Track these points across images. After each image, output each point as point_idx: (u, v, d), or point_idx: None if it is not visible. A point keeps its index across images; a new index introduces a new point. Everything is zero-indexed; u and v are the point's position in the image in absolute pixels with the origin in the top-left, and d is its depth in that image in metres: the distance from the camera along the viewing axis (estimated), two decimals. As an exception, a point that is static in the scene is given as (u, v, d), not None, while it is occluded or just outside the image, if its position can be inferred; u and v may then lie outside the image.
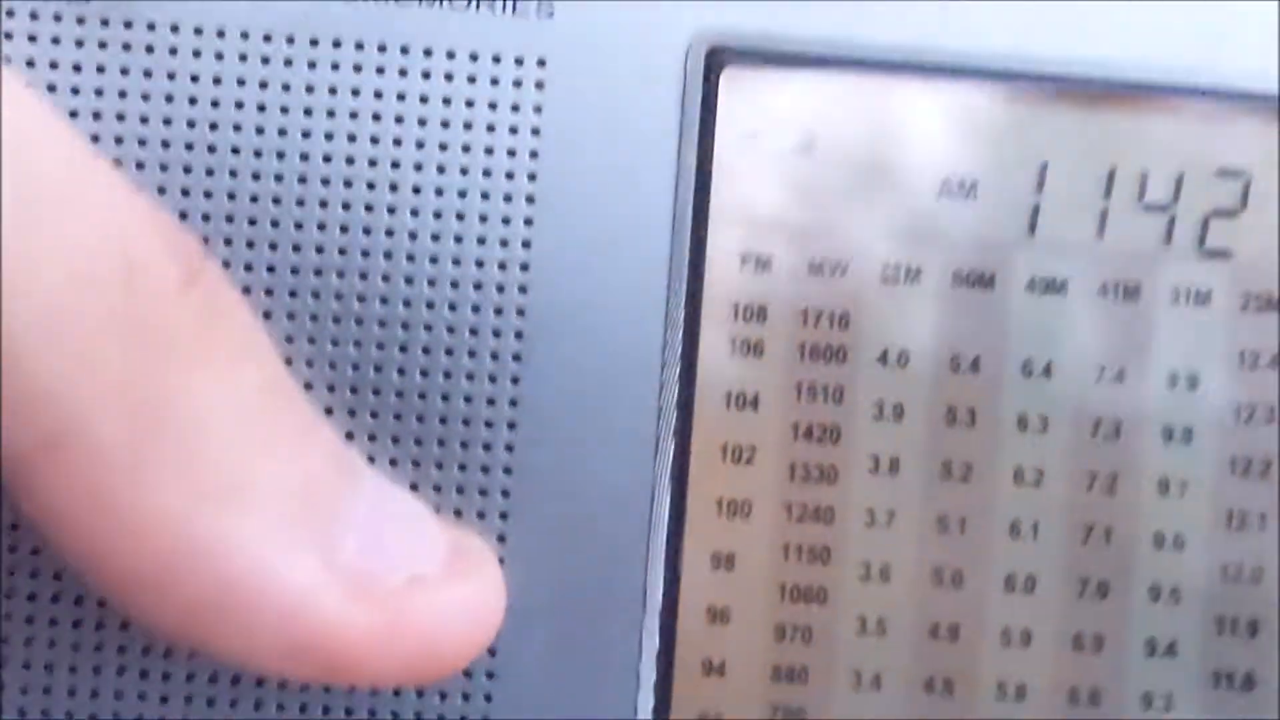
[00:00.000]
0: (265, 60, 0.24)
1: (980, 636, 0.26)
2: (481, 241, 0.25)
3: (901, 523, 0.26)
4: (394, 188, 0.25)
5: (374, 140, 0.25)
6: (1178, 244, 0.26)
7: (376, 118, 0.25)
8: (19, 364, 0.20)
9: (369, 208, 0.25)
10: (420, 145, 0.25)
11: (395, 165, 0.25)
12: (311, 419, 0.23)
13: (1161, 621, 0.26)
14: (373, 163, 0.25)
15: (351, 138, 0.25)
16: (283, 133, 0.24)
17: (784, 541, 0.26)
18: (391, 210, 0.25)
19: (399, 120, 0.25)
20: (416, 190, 0.25)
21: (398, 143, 0.25)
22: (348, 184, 0.25)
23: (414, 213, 0.25)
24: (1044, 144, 0.26)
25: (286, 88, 0.25)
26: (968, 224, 0.26)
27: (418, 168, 0.25)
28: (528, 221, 0.25)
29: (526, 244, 0.25)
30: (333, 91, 0.25)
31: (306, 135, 0.25)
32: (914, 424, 0.26)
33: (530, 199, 0.25)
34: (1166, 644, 0.26)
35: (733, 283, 0.26)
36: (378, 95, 0.25)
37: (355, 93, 0.25)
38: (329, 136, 0.25)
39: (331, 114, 0.25)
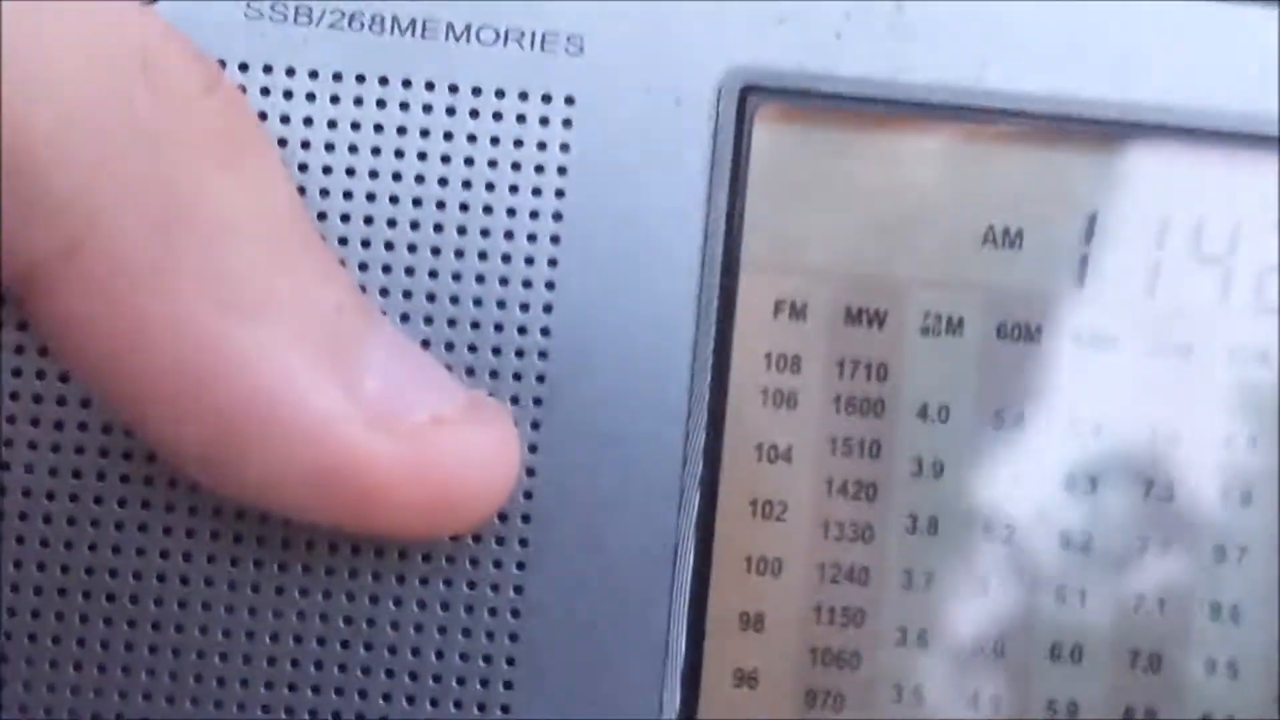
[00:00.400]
0: (288, 95, 0.24)
1: (1025, 709, 0.25)
2: (504, 282, 0.24)
3: (940, 584, 0.25)
4: (415, 226, 0.24)
5: (396, 177, 0.24)
6: (1235, 298, 0.25)
7: (399, 154, 0.24)
8: (39, 165, 0.20)
9: (389, 246, 0.24)
10: (444, 183, 0.24)
11: (418, 203, 0.24)
12: (333, 258, 0.23)
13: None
14: (394, 200, 0.24)
15: (374, 174, 0.24)
16: (303, 168, 0.24)
17: (816, 602, 0.25)
18: (412, 249, 0.24)
19: (422, 157, 0.24)
20: (439, 229, 0.24)
21: (420, 180, 0.24)
22: (368, 221, 0.24)
23: (435, 251, 0.24)
24: (1093, 191, 0.25)
25: (309, 122, 0.24)
26: (1012, 274, 0.25)
27: (440, 206, 0.24)
28: (552, 262, 0.24)
29: (550, 285, 0.24)
30: (355, 127, 0.24)
31: (328, 171, 0.24)
32: (954, 481, 0.25)
33: (555, 239, 0.24)
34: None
35: (765, 331, 0.25)
36: (401, 131, 0.24)
37: (379, 129, 0.24)
38: (350, 172, 0.24)
39: (354, 149, 0.24)
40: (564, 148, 0.24)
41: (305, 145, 0.24)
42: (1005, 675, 0.25)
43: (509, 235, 0.24)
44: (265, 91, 0.24)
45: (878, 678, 0.25)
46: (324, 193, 0.24)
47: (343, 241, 0.24)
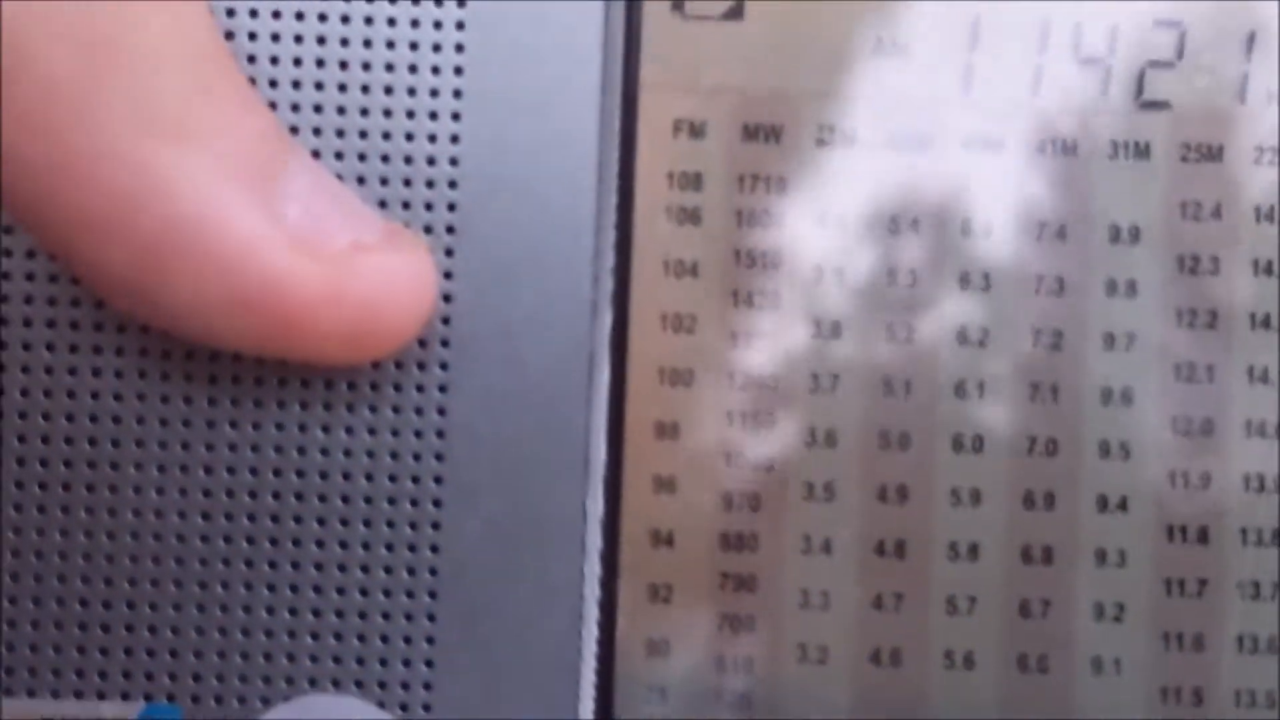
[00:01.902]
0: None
1: (930, 497, 0.27)
2: (411, 115, 0.26)
3: (846, 387, 0.26)
4: (320, 63, 0.25)
5: (299, 16, 0.25)
6: (1115, 96, 0.27)
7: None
8: None
9: (296, 84, 0.25)
10: (347, 20, 0.25)
11: (322, 41, 0.25)
12: (255, 90, 0.24)
13: (1113, 479, 0.27)
14: (299, 38, 0.25)
15: (276, 14, 0.25)
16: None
17: (727, 409, 0.26)
18: (319, 86, 0.25)
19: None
20: (344, 65, 0.25)
21: (324, 18, 0.25)
22: (274, 61, 0.25)
23: (342, 88, 0.25)
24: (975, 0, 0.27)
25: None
26: (901, 84, 0.27)
27: (344, 42, 0.25)
28: (456, 94, 0.26)
29: (456, 116, 0.26)
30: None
31: (231, 14, 0.25)
32: (856, 286, 0.27)
33: (459, 70, 0.26)
34: (1118, 500, 0.27)
35: (667, 150, 0.26)
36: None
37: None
38: (253, 14, 0.25)
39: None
40: (461, -23, 0.26)
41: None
42: (910, 467, 0.27)
43: (413, 69, 0.25)
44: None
45: (790, 477, 0.27)
46: (229, 35, 0.25)
47: (252, 82, 0.25)
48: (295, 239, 0.23)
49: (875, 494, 0.27)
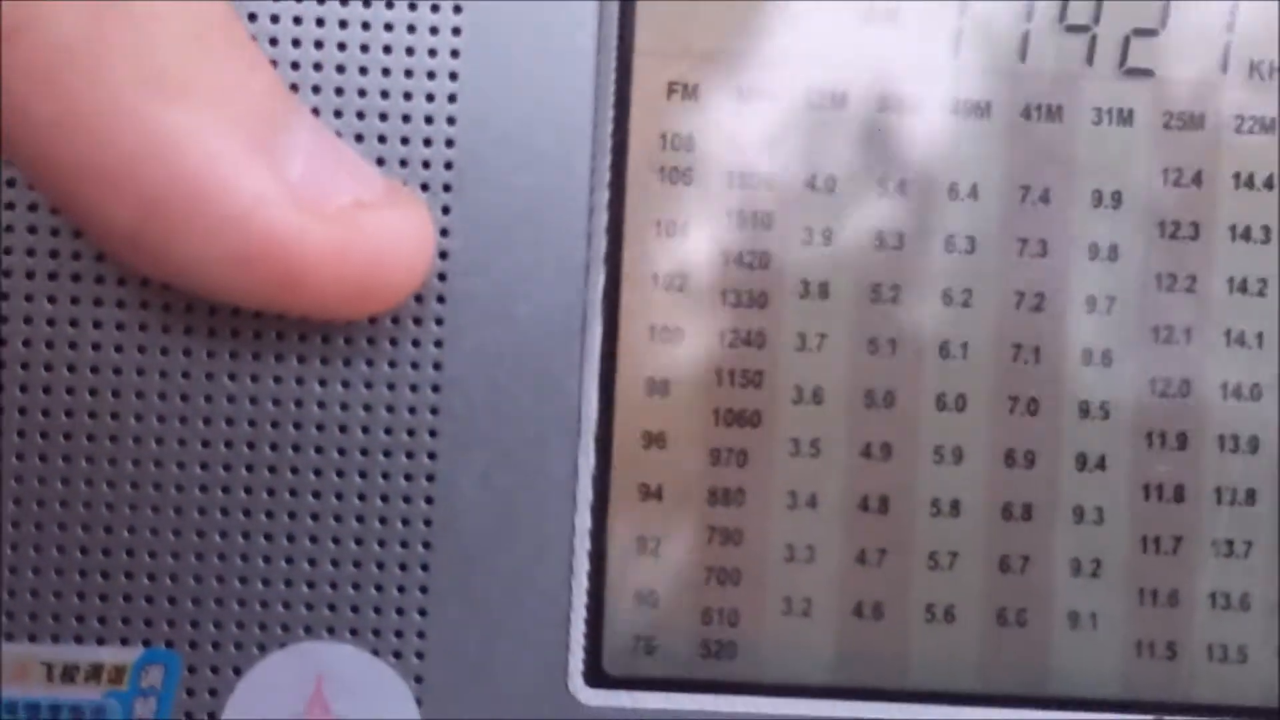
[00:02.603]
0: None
1: (913, 454, 0.27)
2: (410, 74, 0.26)
3: (832, 345, 0.27)
4: (320, 22, 0.26)
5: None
6: (1099, 64, 0.28)
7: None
8: None
9: (296, 43, 0.26)
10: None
11: (321, 0, 0.26)
12: (258, 49, 0.24)
13: (1092, 437, 0.28)
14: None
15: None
16: None
17: (716, 366, 0.27)
18: (319, 45, 0.26)
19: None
20: (343, 24, 0.26)
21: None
22: (274, 19, 0.26)
23: (341, 46, 0.26)
24: (964, -34, 0.27)
25: None
26: (891, 50, 0.27)
27: (344, 2, 0.26)
28: (454, 53, 0.26)
29: (454, 75, 0.26)
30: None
31: None
32: (844, 248, 0.27)
33: (456, 31, 0.26)
34: (1096, 459, 0.28)
35: (660, 112, 0.27)
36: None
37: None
38: None
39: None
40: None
41: None
42: (895, 424, 0.27)
43: (411, 29, 0.26)
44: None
45: (778, 434, 0.27)
46: None
47: (254, 40, 0.26)
48: (298, 196, 0.23)
49: (860, 451, 0.27)
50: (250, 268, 0.23)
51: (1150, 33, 0.27)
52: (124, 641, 0.26)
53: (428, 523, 0.26)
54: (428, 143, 0.26)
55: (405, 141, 0.26)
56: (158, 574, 0.26)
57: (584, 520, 0.27)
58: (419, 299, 0.26)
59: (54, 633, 0.26)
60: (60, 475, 0.26)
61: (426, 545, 0.26)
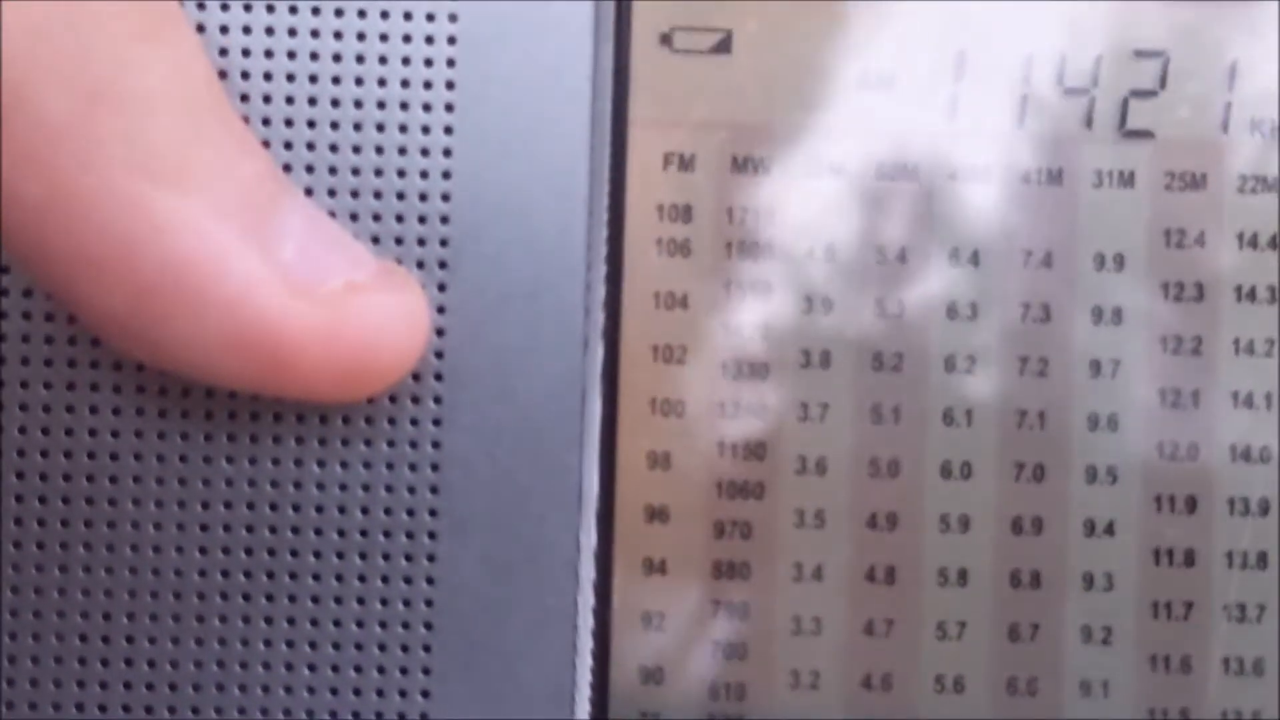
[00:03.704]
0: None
1: (919, 524, 0.28)
2: (403, 152, 0.27)
3: (835, 415, 0.28)
4: (313, 101, 0.26)
5: (291, 55, 0.26)
6: (1099, 127, 0.28)
7: (293, 33, 0.26)
8: None
9: (289, 122, 0.26)
10: (339, 59, 0.26)
11: (314, 79, 0.26)
12: (249, 131, 0.25)
13: (1100, 502, 0.28)
14: (291, 77, 0.26)
15: (269, 53, 0.26)
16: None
17: (719, 438, 0.28)
18: (311, 124, 0.26)
19: (315, 35, 0.26)
20: (335, 103, 0.26)
21: (315, 56, 0.26)
22: (267, 100, 0.26)
23: (334, 125, 0.26)
24: (960, 32, 0.28)
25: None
26: (888, 116, 0.28)
27: (336, 80, 0.26)
28: (448, 130, 0.27)
29: (447, 152, 0.27)
30: (247, 9, 0.26)
31: (224, 53, 0.26)
32: (842, 317, 0.28)
33: (449, 107, 0.27)
34: (1105, 524, 0.28)
35: (656, 183, 0.27)
36: (293, 11, 0.26)
37: (270, 9, 0.26)
38: (246, 53, 0.26)
39: (248, 30, 0.26)
40: (452, 18, 0.26)
41: (201, 29, 0.26)
42: (900, 493, 0.28)
43: (404, 106, 0.26)
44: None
45: (781, 506, 0.28)
46: (222, 74, 0.26)
47: (245, 121, 0.26)
48: (291, 280, 0.24)
49: (865, 521, 0.28)
50: (242, 352, 0.24)
51: (1149, 94, 0.28)
52: (125, 728, 0.26)
53: (429, 603, 0.26)
54: (422, 220, 0.26)
55: (400, 219, 0.26)
56: (157, 660, 0.26)
57: (587, 597, 0.27)
58: (416, 377, 0.26)
59: (54, 721, 0.26)
60: (58, 562, 0.26)
61: (428, 626, 0.26)
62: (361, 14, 0.26)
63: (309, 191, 0.26)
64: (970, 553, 0.28)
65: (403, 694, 0.26)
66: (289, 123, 0.26)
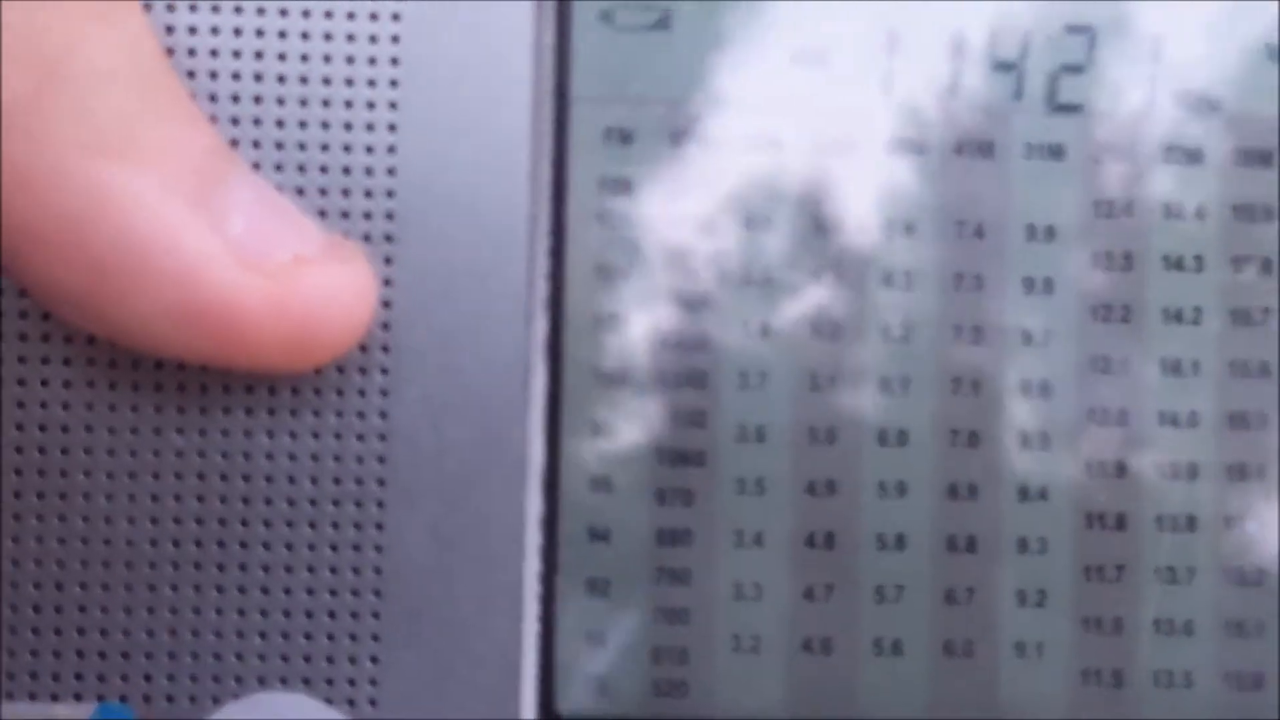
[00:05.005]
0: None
1: (857, 490, 0.29)
2: (349, 127, 0.28)
3: (774, 383, 0.29)
4: (259, 78, 0.27)
5: (237, 32, 0.27)
6: (1029, 100, 0.29)
7: (238, 10, 0.27)
8: None
9: (235, 98, 0.27)
10: (284, 35, 0.27)
11: (259, 55, 0.27)
12: (197, 107, 0.26)
13: (1033, 468, 0.29)
14: (237, 54, 0.27)
15: (214, 30, 0.27)
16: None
17: (660, 406, 0.29)
18: (258, 100, 0.27)
19: (261, 12, 0.27)
20: (281, 79, 0.27)
21: (260, 33, 0.27)
22: (213, 76, 0.27)
23: (280, 101, 0.27)
24: (893, 8, 0.29)
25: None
26: (823, 91, 0.29)
27: (281, 57, 0.27)
28: (392, 105, 0.28)
29: (392, 127, 0.28)
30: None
31: (170, 31, 0.27)
32: (782, 290, 0.29)
33: (394, 83, 0.28)
34: (1039, 490, 0.29)
35: (597, 157, 0.29)
36: (239, -11, 0.27)
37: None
38: (192, 30, 0.27)
39: (194, 8, 0.27)
40: (394, 17, 0.28)
41: (149, 8, 0.27)
42: (838, 460, 0.29)
43: (349, 82, 0.28)
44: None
45: (722, 474, 0.29)
46: (170, 51, 0.27)
47: (193, 97, 0.27)
48: (240, 253, 0.25)
49: (805, 488, 0.29)
50: (193, 324, 0.25)
51: (1078, 69, 0.29)
52: (78, 697, 0.27)
53: (378, 571, 0.27)
54: (369, 195, 0.27)
55: (346, 194, 0.27)
56: (110, 628, 0.27)
57: (532, 563, 0.28)
58: (364, 349, 0.27)
59: (8, 690, 0.27)
60: (10, 533, 0.27)
61: (377, 593, 0.27)
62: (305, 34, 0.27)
63: (257, 167, 0.27)
64: (908, 518, 0.29)
65: (352, 660, 0.27)
66: (236, 99, 0.27)
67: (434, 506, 0.28)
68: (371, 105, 0.28)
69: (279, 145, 0.27)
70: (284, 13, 0.27)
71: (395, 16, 0.28)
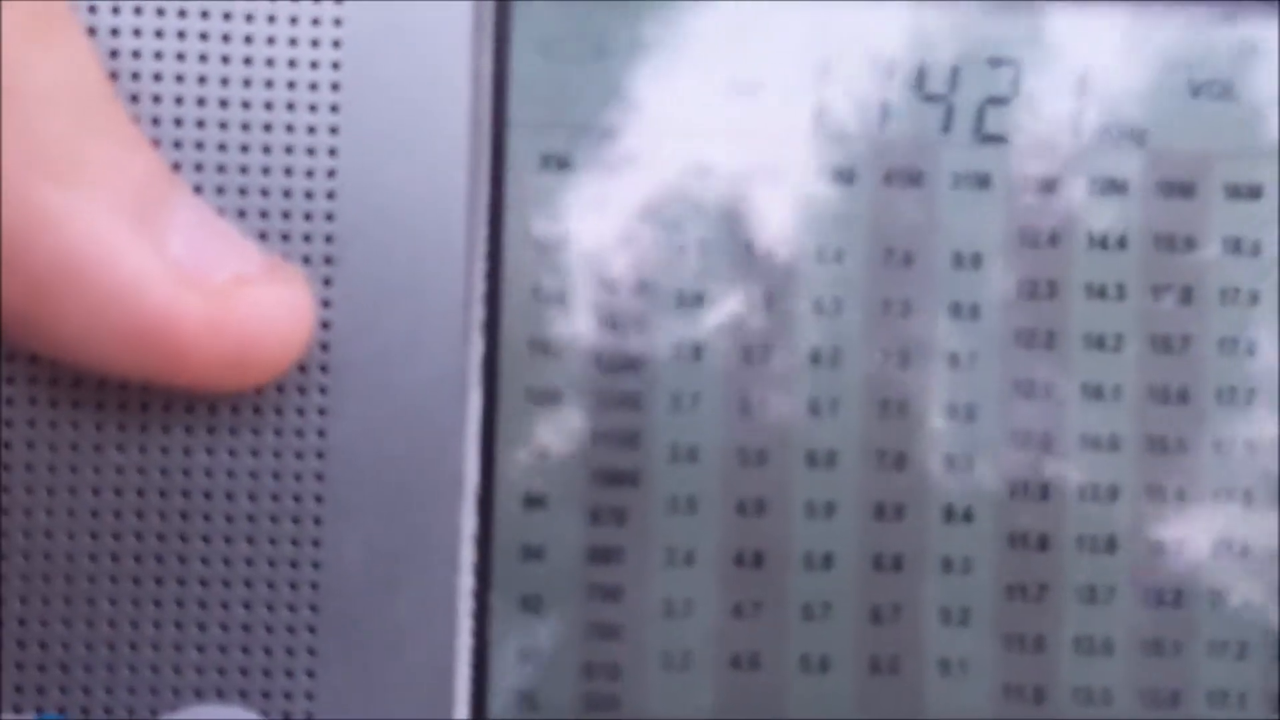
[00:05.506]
0: None
1: (786, 510, 0.30)
2: (289, 151, 0.28)
3: (705, 405, 0.30)
4: (201, 102, 0.28)
5: (180, 57, 0.28)
6: (956, 131, 0.30)
7: (181, 35, 0.28)
8: None
9: (178, 122, 0.28)
10: (227, 60, 0.28)
11: (203, 81, 0.28)
12: (138, 129, 0.26)
13: (958, 489, 0.30)
14: (180, 78, 0.28)
15: (158, 55, 0.28)
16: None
17: (593, 428, 0.30)
18: (200, 124, 0.28)
19: (204, 37, 0.28)
20: (224, 104, 0.28)
21: (204, 58, 0.28)
22: (156, 100, 0.28)
23: (222, 125, 0.28)
24: (824, 40, 0.30)
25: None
26: (755, 119, 0.30)
27: (224, 82, 0.28)
28: (333, 130, 0.28)
29: (332, 151, 0.28)
30: (138, 11, 0.28)
31: (114, 55, 0.28)
32: (715, 309, 0.30)
33: (334, 108, 0.28)
34: (963, 510, 0.30)
35: (533, 183, 0.29)
36: (182, 14, 0.28)
37: (160, 12, 0.28)
38: (135, 54, 0.28)
39: (138, 33, 0.28)
40: (337, 22, 0.28)
41: (93, 31, 0.28)
42: (770, 481, 0.30)
43: (290, 107, 0.28)
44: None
45: (654, 493, 0.30)
46: (113, 75, 0.28)
47: (135, 121, 0.28)
48: (179, 273, 0.25)
49: (735, 507, 0.30)
50: (132, 343, 0.25)
51: (1003, 100, 0.30)
52: (16, 709, 0.28)
53: (314, 586, 0.28)
54: (308, 217, 0.28)
55: (286, 216, 0.28)
56: (49, 641, 0.28)
57: (466, 580, 0.29)
58: (303, 369, 0.28)
59: (-53, 702, 0.28)
60: (-49, 547, 0.28)
61: (314, 608, 0.28)
62: (249, 18, 0.28)
63: (198, 189, 0.28)
64: (835, 538, 0.30)
65: (288, 674, 0.28)
66: (178, 122, 0.28)
67: (370, 523, 0.28)
68: (312, 129, 0.28)
69: (220, 168, 0.28)
70: (226, 38, 0.28)
71: (336, 43, 0.28)
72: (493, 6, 0.29)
